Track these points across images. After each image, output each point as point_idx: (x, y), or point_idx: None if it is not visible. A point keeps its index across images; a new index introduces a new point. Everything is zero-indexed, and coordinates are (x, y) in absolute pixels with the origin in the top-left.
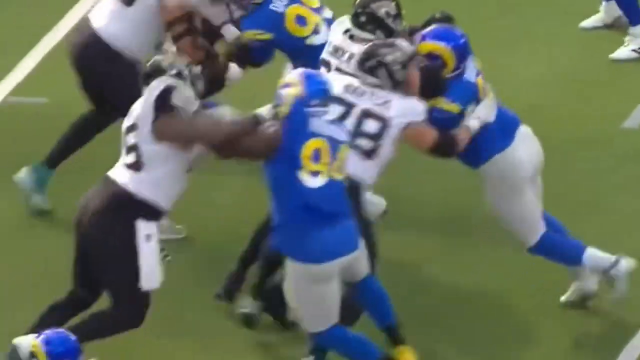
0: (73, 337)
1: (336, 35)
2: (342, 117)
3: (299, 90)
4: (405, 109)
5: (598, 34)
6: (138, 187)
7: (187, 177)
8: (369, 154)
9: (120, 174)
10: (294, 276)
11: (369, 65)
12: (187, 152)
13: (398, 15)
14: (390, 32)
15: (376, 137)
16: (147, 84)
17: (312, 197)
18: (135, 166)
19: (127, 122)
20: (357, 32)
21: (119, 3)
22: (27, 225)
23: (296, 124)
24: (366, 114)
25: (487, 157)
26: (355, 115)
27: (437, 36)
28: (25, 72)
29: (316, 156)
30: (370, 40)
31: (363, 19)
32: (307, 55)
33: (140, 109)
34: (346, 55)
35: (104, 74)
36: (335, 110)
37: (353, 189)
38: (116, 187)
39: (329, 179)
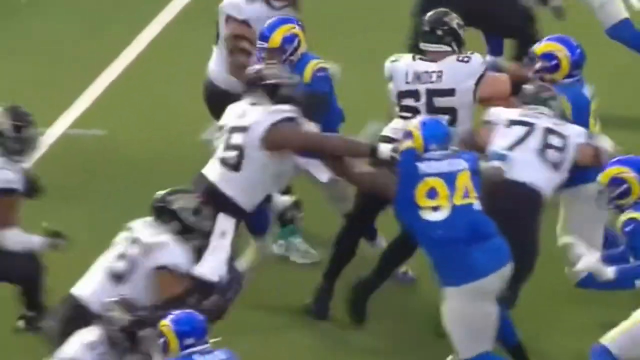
0: (200, 316)
1: (406, 66)
2: (526, 135)
3: (414, 142)
4: (577, 131)
5: None
6: (228, 185)
7: (274, 188)
8: (556, 166)
9: (213, 169)
10: (458, 303)
11: (544, 97)
12: (285, 164)
13: (463, 26)
14: (462, 43)
15: (561, 150)
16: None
17: (443, 229)
18: (233, 166)
19: (234, 122)
20: (432, 47)
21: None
22: (78, 252)
23: (405, 171)
24: (549, 131)
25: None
26: (539, 131)
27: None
28: (85, 104)
29: (432, 194)
30: (445, 52)
31: (440, 32)
32: None
33: (258, 115)
34: (434, 75)
35: None
36: (517, 131)
37: (532, 199)
38: (207, 182)
39: (452, 208)
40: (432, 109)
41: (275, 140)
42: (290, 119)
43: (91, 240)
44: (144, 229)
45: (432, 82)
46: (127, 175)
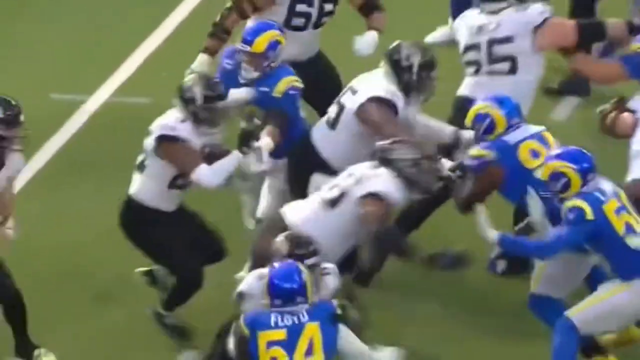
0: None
1: (469, 21)
2: None
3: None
4: None
5: None
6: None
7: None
8: None
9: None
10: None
11: None
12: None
13: None
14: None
15: None
16: None
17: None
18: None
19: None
20: (494, 5)
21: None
22: None
23: (503, 153)
24: None
25: None
26: None
27: None
28: (129, 72)
29: (535, 154)
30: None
31: None
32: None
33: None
34: (492, 25)
35: None
36: None
37: None
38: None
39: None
40: (492, 59)
41: (367, 114)
42: (389, 105)
43: None
44: (360, 167)
45: (491, 32)
46: None
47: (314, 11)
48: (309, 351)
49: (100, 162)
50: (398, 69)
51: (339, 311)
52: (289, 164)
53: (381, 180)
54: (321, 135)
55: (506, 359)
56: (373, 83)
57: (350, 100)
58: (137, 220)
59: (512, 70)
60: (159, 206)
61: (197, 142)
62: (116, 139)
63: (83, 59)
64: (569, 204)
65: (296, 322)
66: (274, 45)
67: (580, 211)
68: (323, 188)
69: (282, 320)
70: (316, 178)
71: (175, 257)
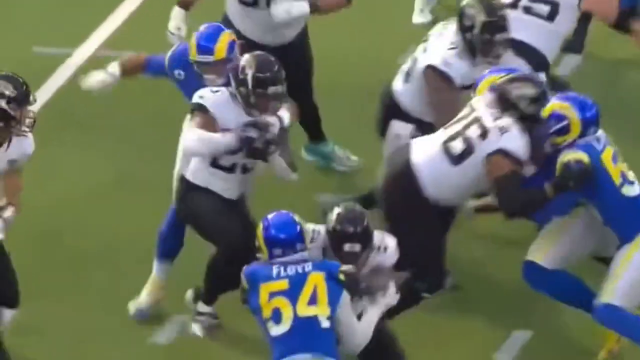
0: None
1: None
2: None
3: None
4: None
5: None
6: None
7: None
8: None
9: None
10: None
11: None
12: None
13: None
14: None
15: None
16: None
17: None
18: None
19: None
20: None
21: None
22: (115, 183)
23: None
24: None
25: None
26: None
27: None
28: (116, 24)
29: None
30: None
31: None
32: None
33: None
34: None
35: None
36: None
37: None
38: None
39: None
40: None
41: (426, 79)
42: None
43: (118, 168)
44: (485, 111)
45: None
46: (159, 98)
47: None
48: (313, 300)
49: (86, 119)
50: (462, 27)
51: (341, 275)
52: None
53: (509, 136)
54: (399, 88)
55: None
56: (438, 44)
57: (421, 56)
58: (186, 196)
59: (551, 17)
60: (208, 185)
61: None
62: (103, 94)
63: (68, 11)
64: (567, 156)
65: (299, 271)
66: (232, 45)
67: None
68: (444, 132)
69: (285, 270)
70: (395, 124)
71: (221, 222)
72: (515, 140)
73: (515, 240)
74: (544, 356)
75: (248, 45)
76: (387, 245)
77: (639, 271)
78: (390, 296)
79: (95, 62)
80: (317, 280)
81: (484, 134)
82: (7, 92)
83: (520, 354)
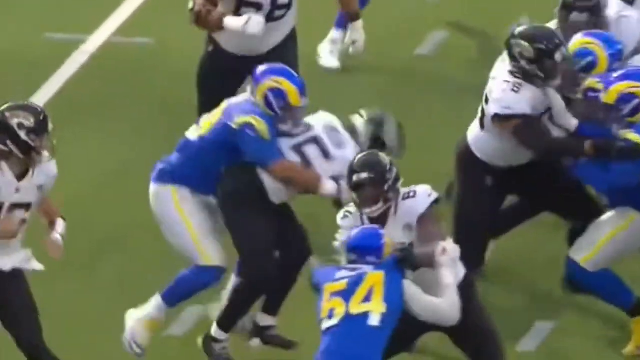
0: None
1: None
2: None
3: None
4: None
5: None
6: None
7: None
8: None
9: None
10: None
11: None
12: None
13: None
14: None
15: None
16: None
17: None
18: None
19: None
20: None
21: None
22: (126, 170)
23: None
24: None
25: None
26: None
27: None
28: (131, 11)
29: None
30: None
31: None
32: None
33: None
34: None
35: None
36: None
37: None
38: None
39: None
40: None
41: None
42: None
43: (131, 157)
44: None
45: None
46: (174, 87)
47: (265, 2)
48: (367, 298)
49: (100, 105)
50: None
51: (400, 254)
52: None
53: (498, 97)
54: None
55: None
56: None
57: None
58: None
59: None
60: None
61: None
62: (117, 81)
63: None
64: (629, 135)
65: (359, 272)
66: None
67: None
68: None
69: (347, 272)
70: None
71: (254, 242)
72: (507, 100)
73: (539, 229)
74: (568, 348)
75: (226, 58)
76: (415, 190)
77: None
78: (451, 251)
79: (109, 48)
80: (375, 279)
81: (486, 97)
82: (26, 124)
83: (544, 345)
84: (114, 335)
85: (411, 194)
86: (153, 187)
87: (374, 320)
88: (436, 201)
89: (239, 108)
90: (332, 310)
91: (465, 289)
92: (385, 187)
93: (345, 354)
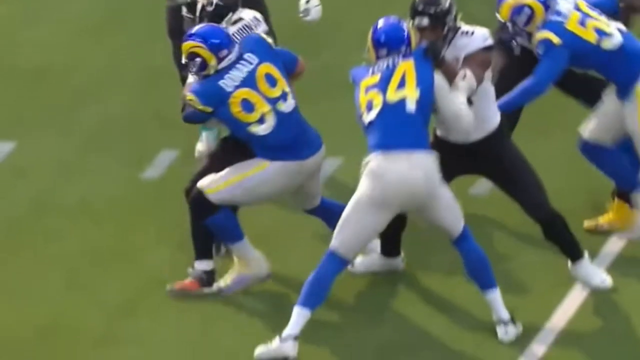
0: None
1: None
2: None
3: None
4: None
5: None
6: None
7: None
8: None
9: None
10: None
11: None
12: None
13: None
14: None
15: None
16: None
17: None
18: None
19: None
20: None
21: None
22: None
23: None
24: None
25: None
26: None
27: None
28: None
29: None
30: None
31: None
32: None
33: None
34: None
35: None
36: None
37: None
38: None
39: None
40: None
41: None
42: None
43: None
44: None
45: None
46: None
47: None
48: (401, 84)
49: None
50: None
51: (428, 44)
52: None
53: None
54: None
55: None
56: None
57: None
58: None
59: None
60: None
61: None
62: None
63: None
64: (536, 39)
65: (390, 64)
66: None
67: (546, 41)
68: None
69: (379, 67)
70: None
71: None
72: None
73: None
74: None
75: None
76: (475, 31)
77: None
78: (470, 79)
79: None
80: (406, 66)
81: None
82: None
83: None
84: None
85: (469, 33)
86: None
87: (411, 107)
88: (489, 48)
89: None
90: (370, 102)
91: (500, 130)
92: (445, 29)
93: (390, 143)
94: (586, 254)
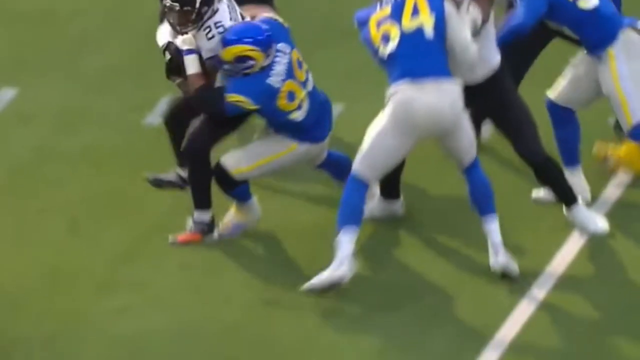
0: None
1: None
2: None
3: None
4: None
5: None
6: None
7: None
8: None
9: None
10: None
11: None
12: None
13: None
14: None
15: None
16: None
17: None
18: None
19: None
20: None
21: None
22: None
23: None
24: None
25: None
26: None
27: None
28: None
29: None
30: None
31: None
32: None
33: None
34: None
35: None
36: None
37: None
38: None
39: None
40: None
41: None
42: None
43: None
44: None
45: None
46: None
47: None
48: (415, 11)
49: None
50: None
51: None
52: None
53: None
54: None
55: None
56: None
57: None
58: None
59: None
60: None
61: None
62: None
63: None
64: None
65: None
66: None
67: None
68: None
69: (387, 0)
70: None
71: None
72: None
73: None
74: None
75: None
76: None
77: (630, 79)
78: (474, 13)
79: None
80: None
81: None
82: None
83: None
84: None
85: None
86: None
87: (429, 34)
88: None
89: None
90: (386, 35)
91: (501, 70)
92: None
93: (416, 71)
94: (580, 200)
